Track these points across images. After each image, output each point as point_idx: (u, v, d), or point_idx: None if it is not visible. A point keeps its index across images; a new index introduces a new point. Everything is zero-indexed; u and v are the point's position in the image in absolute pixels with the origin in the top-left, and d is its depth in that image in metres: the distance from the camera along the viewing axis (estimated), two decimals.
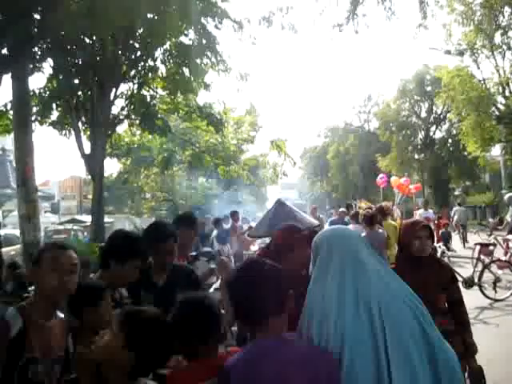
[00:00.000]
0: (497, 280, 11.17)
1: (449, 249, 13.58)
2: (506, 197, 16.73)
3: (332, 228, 2.91)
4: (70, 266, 2.80)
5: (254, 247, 12.81)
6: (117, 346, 2.39)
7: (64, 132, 15.39)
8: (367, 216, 10.16)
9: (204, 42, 13.68)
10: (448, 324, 3.94)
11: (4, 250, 9.70)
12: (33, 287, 3.67)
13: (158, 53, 14.66)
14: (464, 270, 12.11)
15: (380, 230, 10.02)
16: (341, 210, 15.15)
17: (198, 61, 14.20)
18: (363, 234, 9.46)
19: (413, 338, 2.34)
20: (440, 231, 18.72)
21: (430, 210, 19.35)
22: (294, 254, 3.52)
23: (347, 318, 2.30)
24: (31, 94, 13.04)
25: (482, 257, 12.15)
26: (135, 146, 20.39)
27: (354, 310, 2.32)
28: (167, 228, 4.24)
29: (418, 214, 17.97)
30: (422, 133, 49.88)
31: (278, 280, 2.37)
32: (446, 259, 12.41)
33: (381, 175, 29.23)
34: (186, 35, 14.38)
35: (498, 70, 30.90)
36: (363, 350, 2.25)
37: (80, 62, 13.68)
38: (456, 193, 48.63)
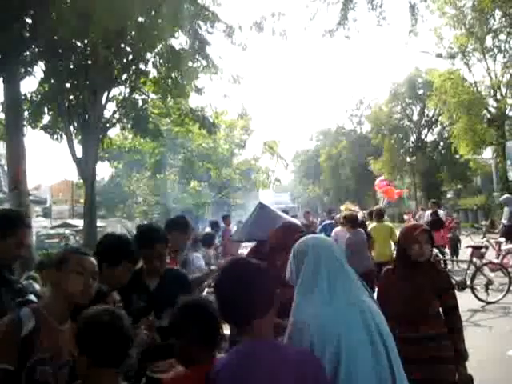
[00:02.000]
0: (489, 282, 11.20)
1: (443, 253, 13.55)
2: (502, 198, 16.73)
3: (314, 237, 2.90)
4: (92, 271, 2.85)
5: (242, 250, 12.77)
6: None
7: (56, 136, 15.33)
8: (352, 218, 10.45)
9: (196, 44, 13.68)
10: (440, 327, 3.96)
11: None
12: (30, 295, 3.66)
13: (150, 56, 14.65)
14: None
15: (361, 231, 10.25)
16: (337, 216, 14.87)
17: (190, 64, 14.20)
18: (347, 236, 9.79)
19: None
20: (448, 235, 17.21)
21: (441, 212, 17.99)
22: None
23: (342, 317, 2.32)
24: (23, 97, 13.00)
25: (474, 259, 12.18)
26: (126, 149, 20.35)
27: (347, 311, 2.34)
28: (158, 231, 4.23)
29: (426, 216, 17.14)
30: (414, 136, 50.06)
31: (264, 280, 2.35)
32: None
33: (381, 177, 28.73)
34: (177, 38, 14.40)
35: (489, 73, 31.12)
36: (363, 351, 2.28)
37: (72, 66, 13.65)
38: (448, 196, 48.77)
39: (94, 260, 2.90)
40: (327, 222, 14.35)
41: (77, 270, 2.77)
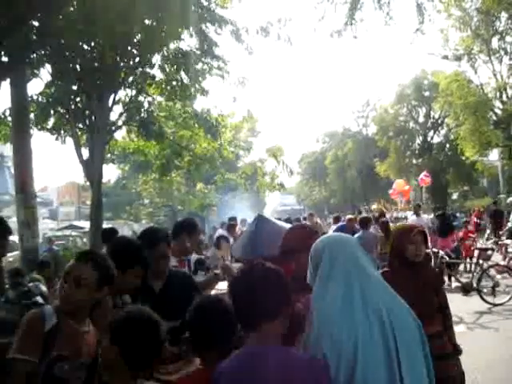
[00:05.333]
0: (495, 285, 11.19)
1: (450, 256, 13.46)
2: (509, 200, 16.64)
3: (330, 235, 2.92)
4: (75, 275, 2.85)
5: None
6: (105, 346, 2.47)
7: (60, 137, 15.35)
8: (361, 219, 11.88)
9: (205, 47, 13.70)
10: (440, 325, 4.03)
11: None
12: (37, 297, 3.69)
13: (156, 58, 14.67)
14: None
15: (373, 232, 11.59)
16: (348, 217, 14.60)
17: (197, 66, 14.23)
18: (358, 235, 10.70)
19: (415, 341, 2.39)
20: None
21: (425, 216, 17.23)
22: (306, 255, 3.41)
23: (358, 322, 2.31)
24: (29, 100, 13.05)
25: (481, 261, 12.17)
26: (131, 151, 20.33)
27: (363, 314, 2.33)
28: (158, 232, 4.25)
29: (410, 221, 15.59)
30: (420, 138, 49.97)
31: (278, 285, 2.36)
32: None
33: (425, 173, 27.63)
34: (184, 41, 14.41)
35: (495, 75, 31.05)
36: (376, 353, 2.27)
37: (78, 68, 13.68)
38: (454, 197, 48.67)
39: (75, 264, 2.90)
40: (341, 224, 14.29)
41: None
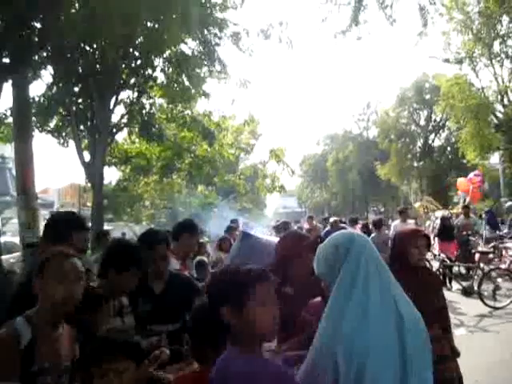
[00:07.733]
0: (496, 288, 11.19)
1: (451, 260, 13.39)
2: (507, 205, 16.58)
3: (354, 234, 2.76)
4: (76, 275, 2.69)
5: None
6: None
7: (62, 141, 15.40)
8: (375, 221, 12.46)
9: (207, 49, 13.71)
10: (437, 328, 4.02)
11: (3, 257, 9.70)
12: None
13: (158, 61, 14.69)
14: None
15: (386, 232, 11.94)
16: (332, 219, 14.11)
17: (198, 69, 14.24)
18: (372, 235, 11.06)
19: (426, 348, 2.38)
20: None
21: (411, 221, 16.60)
22: (302, 260, 3.35)
23: (373, 325, 2.29)
24: (31, 101, 13.06)
25: (482, 265, 12.16)
26: (133, 153, 20.37)
27: (380, 318, 2.32)
28: (157, 233, 4.27)
29: (393, 227, 14.08)
30: (421, 141, 49.98)
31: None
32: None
33: (476, 172, 24.94)
34: (186, 43, 14.40)
35: (496, 79, 31.05)
36: (388, 357, 2.25)
37: (80, 70, 13.70)
38: (455, 200, 48.60)
39: (76, 261, 2.73)
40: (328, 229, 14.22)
41: (56, 277, 2.62)
